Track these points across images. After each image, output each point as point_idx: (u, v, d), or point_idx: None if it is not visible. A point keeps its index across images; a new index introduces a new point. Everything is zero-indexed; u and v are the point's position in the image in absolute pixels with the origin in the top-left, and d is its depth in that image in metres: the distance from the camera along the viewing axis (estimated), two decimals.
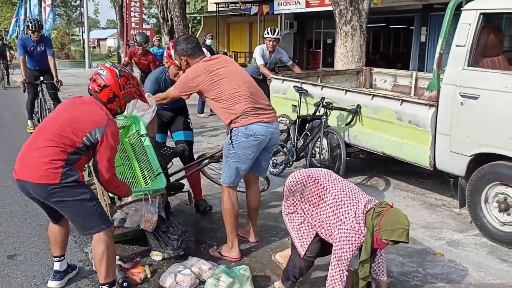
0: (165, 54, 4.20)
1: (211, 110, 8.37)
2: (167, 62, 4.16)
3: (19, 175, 2.73)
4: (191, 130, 4.43)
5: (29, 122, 7.87)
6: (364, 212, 2.56)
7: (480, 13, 3.81)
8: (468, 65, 3.85)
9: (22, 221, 4.19)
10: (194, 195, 4.33)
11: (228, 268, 3.12)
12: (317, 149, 5.16)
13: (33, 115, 7.74)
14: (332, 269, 2.56)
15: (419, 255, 3.59)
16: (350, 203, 2.60)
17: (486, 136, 3.73)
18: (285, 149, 5.56)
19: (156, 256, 3.49)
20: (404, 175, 5.51)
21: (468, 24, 3.86)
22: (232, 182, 3.49)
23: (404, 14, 18.13)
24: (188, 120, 4.46)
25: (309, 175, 2.81)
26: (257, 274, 3.28)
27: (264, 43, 6.85)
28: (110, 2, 23.03)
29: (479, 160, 3.83)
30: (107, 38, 58.39)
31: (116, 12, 23.38)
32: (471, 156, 3.85)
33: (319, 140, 5.09)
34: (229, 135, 3.43)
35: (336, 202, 2.62)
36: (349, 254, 2.51)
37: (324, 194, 2.69)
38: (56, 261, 3.11)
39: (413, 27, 17.99)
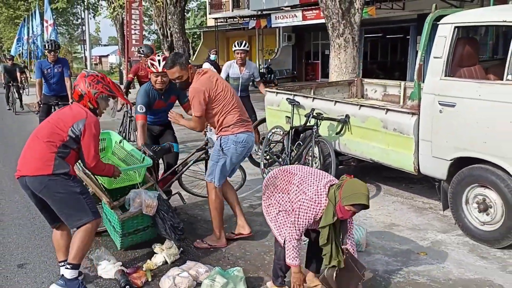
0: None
1: None
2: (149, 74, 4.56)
3: (18, 173, 3.16)
4: (177, 143, 4.88)
5: None
6: (327, 186, 2.88)
7: (455, 27, 4.07)
8: (445, 75, 4.10)
9: (30, 233, 4.44)
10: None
11: (222, 270, 3.34)
12: (310, 158, 5.40)
13: None
14: (286, 232, 2.94)
15: (403, 255, 3.81)
16: (314, 179, 2.95)
17: (464, 141, 3.96)
18: (280, 159, 5.81)
19: (158, 255, 3.76)
20: (395, 181, 5.74)
21: (444, 37, 4.12)
22: (221, 183, 3.96)
23: (400, 24, 18.47)
24: (174, 134, 4.91)
25: (280, 168, 3.20)
26: (251, 275, 3.50)
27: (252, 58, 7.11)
28: (111, 20, 23.51)
29: (459, 164, 4.06)
30: (108, 55, 59.15)
31: (117, 30, 23.90)
32: (451, 160, 4.09)
33: (311, 149, 5.34)
34: (219, 143, 3.83)
35: (302, 180, 2.96)
36: (302, 221, 2.86)
37: (292, 178, 3.04)
38: (61, 266, 3.38)
39: (409, 36, 18.31)
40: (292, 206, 2.97)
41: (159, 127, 4.80)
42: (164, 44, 17.86)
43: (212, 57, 10.75)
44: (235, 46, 6.65)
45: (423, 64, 4.37)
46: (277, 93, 6.24)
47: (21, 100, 14.61)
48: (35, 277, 3.56)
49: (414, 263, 3.67)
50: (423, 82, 4.36)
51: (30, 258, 3.89)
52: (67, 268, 3.22)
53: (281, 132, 5.98)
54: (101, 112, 3.42)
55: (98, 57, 59.65)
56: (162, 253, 3.80)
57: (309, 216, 2.85)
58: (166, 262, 3.73)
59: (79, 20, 47.29)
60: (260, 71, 22.59)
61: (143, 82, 7.87)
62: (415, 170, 4.44)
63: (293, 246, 2.92)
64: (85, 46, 34.38)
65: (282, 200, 3.05)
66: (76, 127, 3.16)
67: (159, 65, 4.32)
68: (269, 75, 21.52)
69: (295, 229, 2.90)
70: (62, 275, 3.30)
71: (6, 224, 4.67)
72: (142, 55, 7.76)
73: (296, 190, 2.96)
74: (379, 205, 4.98)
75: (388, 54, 23.85)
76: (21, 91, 14.88)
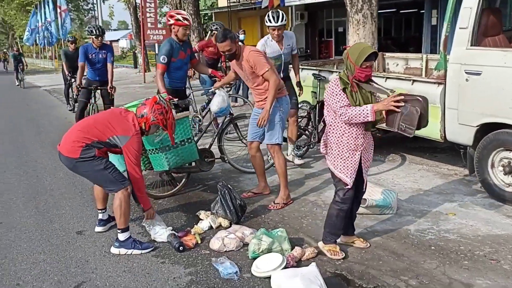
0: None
1: (247, 98, 8.58)
2: (173, 27, 5.12)
3: (58, 147, 3.67)
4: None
5: None
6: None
7: None
8: (471, 45, 4.28)
9: (81, 204, 4.77)
10: None
11: (267, 231, 3.63)
12: None
13: None
14: (338, 119, 3.20)
15: (433, 216, 4.05)
16: None
17: (490, 108, 4.16)
18: (307, 132, 6.05)
19: (203, 222, 4.07)
20: (419, 151, 5.95)
21: (469, 8, 4.29)
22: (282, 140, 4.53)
23: None
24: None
25: None
26: (292, 236, 3.77)
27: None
28: (125, 4, 23.64)
29: (485, 129, 4.26)
30: (119, 39, 59.30)
31: (131, 13, 24.02)
32: (477, 126, 4.29)
33: None
34: (277, 104, 4.35)
35: None
36: (334, 100, 3.14)
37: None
38: (100, 212, 4.07)
39: (423, 11, 18.19)
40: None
41: (180, 92, 5.32)
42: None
43: (241, 37, 11.04)
44: (269, 21, 5.18)
45: (449, 35, 4.55)
46: (303, 69, 6.44)
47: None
48: (94, 241, 3.89)
49: (444, 222, 3.92)
50: (449, 53, 4.53)
51: (86, 226, 4.22)
52: (119, 232, 3.65)
53: (308, 107, 6.20)
54: (147, 134, 3.86)
55: (109, 42, 59.81)
56: (207, 219, 4.11)
57: (334, 91, 3.13)
58: (211, 227, 4.03)
59: (89, 5, 47.60)
60: None
61: (210, 58, 7.91)
62: (442, 137, 4.66)
63: (350, 111, 3.06)
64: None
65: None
66: (117, 139, 3.59)
67: (190, 19, 5.11)
68: None
69: (338, 110, 3.10)
70: (117, 238, 3.68)
71: (57, 198, 5.01)
72: (216, 31, 7.61)
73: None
74: (406, 173, 5.21)
75: (402, 29, 23.70)
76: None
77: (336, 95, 3.14)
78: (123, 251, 3.63)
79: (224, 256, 3.46)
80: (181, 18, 5.05)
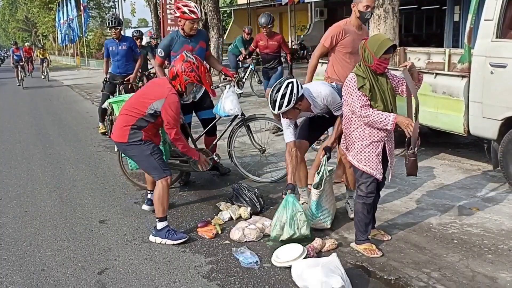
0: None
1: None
2: (180, 20, 4.62)
3: (112, 136, 3.87)
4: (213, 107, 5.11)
5: (100, 124, 7.79)
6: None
7: None
8: (496, 37, 4.20)
9: (103, 195, 4.85)
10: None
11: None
12: None
13: (105, 118, 7.57)
14: (358, 117, 3.14)
15: (455, 210, 4.00)
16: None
17: None
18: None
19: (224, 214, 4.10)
20: (441, 146, 5.87)
21: (495, 0, 4.21)
22: None
23: None
24: (211, 99, 5.08)
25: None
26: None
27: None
28: (145, 1, 23.88)
29: (510, 123, 4.19)
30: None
31: (151, 11, 24.25)
32: (502, 120, 4.22)
33: None
34: None
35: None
36: (354, 97, 3.09)
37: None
38: (149, 193, 4.24)
39: (445, 7, 17.91)
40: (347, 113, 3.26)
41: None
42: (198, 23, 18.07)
43: None
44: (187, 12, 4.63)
45: (473, 27, 4.48)
46: (323, 63, 6.40)
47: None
48: (116, 230, 3.95)
49: (467, 217, 3.86)
50: (473, 45, 4.46)
51: (108, 215, 4.29)
52: (157, 221, 3.69)
53: None
54: (187, 95, 3.84)
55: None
56: (228, 210, 4.13)
57: (351, 90, 3.10)
58: (231, 218, 4.05)
59: (110, 3, 48.17)
60: (293, 47, 22.61)
61: (262, 53, 7.80)
62: (465, 131, 4.59)
63: (372, 114, 3.03)
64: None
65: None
66: (154, 105, 3.62)
67: (198, 11, 4.67)
68: (302, 51, 21.54)
69: (358, 111, 3.07)
70: (155, 226, 3.72)
71: (80, 188, 5.10)
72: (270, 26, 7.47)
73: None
74: (427, 168, 5.15)
75: (423, 26, 23.39)
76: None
77: (354, 93, 3.09)
78: (158, 240, 3.66)
79: (244, 246, 3.48)
80: (187, 11, 4.58)
